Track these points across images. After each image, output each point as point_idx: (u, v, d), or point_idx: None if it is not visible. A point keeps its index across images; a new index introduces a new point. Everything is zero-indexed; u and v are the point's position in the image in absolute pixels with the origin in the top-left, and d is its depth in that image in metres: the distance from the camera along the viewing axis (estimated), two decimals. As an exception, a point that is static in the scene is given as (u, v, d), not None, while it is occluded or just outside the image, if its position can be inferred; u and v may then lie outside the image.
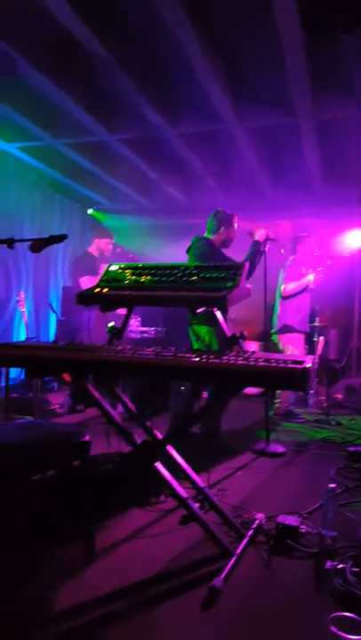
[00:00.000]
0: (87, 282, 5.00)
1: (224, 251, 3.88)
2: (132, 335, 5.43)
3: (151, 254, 7.17)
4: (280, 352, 5.18)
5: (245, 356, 1.89)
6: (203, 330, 3.72)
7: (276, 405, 5.04)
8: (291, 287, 5.00)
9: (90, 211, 7.87)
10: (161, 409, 4.68)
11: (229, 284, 2.20)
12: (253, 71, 4.05)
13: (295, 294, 5.03)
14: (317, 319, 6.10)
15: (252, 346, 6.56)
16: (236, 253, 3.83)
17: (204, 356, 1.89)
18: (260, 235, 3.82)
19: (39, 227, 6.75)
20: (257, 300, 3.69)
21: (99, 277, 3.88)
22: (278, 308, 5.17)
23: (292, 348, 5.04)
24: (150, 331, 5.46)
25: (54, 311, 6.11)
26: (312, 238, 5.32)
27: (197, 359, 1.86)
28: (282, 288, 5.06)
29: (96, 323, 4.86)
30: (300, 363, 1.75)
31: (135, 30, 3.61)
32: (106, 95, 4.49)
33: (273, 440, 3.96)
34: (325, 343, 6.32)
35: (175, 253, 5.90)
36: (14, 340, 6.17)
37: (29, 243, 2.20)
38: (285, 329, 5.09)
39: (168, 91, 4.39)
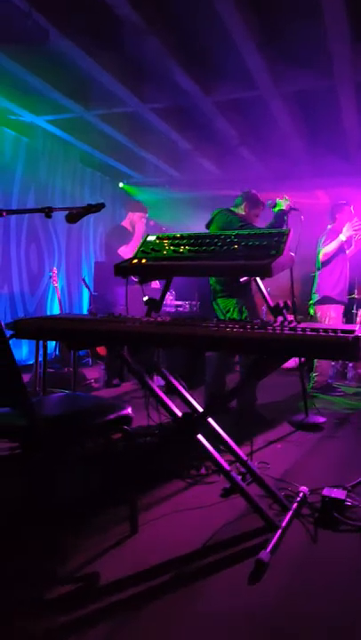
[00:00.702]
0: (126, 251, 4.97)
1: None
2: (167, 309, 5.40)
3: (183, 228, 7.05)
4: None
5: (291, 325, 1.83)
6: (231, 302, 3.66)
7: (315, 379, 4.96)
8: (327, 249, 4.85)
9: (121, 184, 7.79)
10: (196, 382, 4.66)
11: (273, 252, 2.11)
12: (290, 31, 3.84)
13: (333, 257, 4.87)
14: (356, 291, 5.94)
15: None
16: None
17: (249, 326, 1.83)
18: (283, 204, 3.70)
19: (70, 201, 6.73)
20: (285, 273, 3.72)
21: (135, 247, 3.84)
22: (317, 279, 5.04)
23: (329, 320, 4.91)
24: (185, 305, 5.42)
25: (87, 286, 6.13)
26: (351, 206, 5.11)
27: (242, 329, 1.80)
28: (320, 255, 4.92)
29: (131, 297, 4.84)
30: (350, 332, 1.68)
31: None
32: (137, 62, 4.37)
33: (312, 412, 3.89)
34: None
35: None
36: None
37: (65, 213, 2.16)
38: (324, 300, 4.96)
39: (202, 56, 4.23)
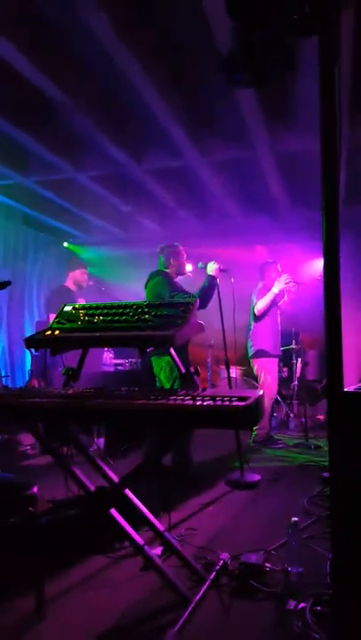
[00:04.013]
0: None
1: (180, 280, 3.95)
2: (106, 369, 5.36)
3: (130, 284, 7.16)
4: (255, 376, 5.21)
5: (194, 394, 1.88)
6: (164, 360, 3.71)
7: (255, 432, 5.00)
8: (261, 304, 5.05)
9: (65, 244, 7.89)
10: (138, 443, 4.61)
11: (179, 322, 2.20)
12: (210, 108, 4.13)
13: (267, 310, 5.07)
14: (294, 341, 6.13)
15: (234, 371, 6.54)
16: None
17: (152, 397, 1.87)
18: (213, 269, 3.87)
19: (12, 261, 6.73)
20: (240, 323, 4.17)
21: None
22: (252, 333, 5.20)
23: (264, 374, 5.04)
24: (125, 363, 5.41)
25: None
26: (278, 264, 5.40)
27: (141, 401, 1.84)
28: (255, 310, 5.10)
29: (72, 357, 4.82)
30: (245, 399, 1.74)
31: (91, 74, 3.69)
32: (69, 135, 4.54)
33: (248, 470, 3.90)
34: (304, 364, 6.32)
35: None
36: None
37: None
38: (259, 353, 5.11)
39: (129, 129, 4.45)
